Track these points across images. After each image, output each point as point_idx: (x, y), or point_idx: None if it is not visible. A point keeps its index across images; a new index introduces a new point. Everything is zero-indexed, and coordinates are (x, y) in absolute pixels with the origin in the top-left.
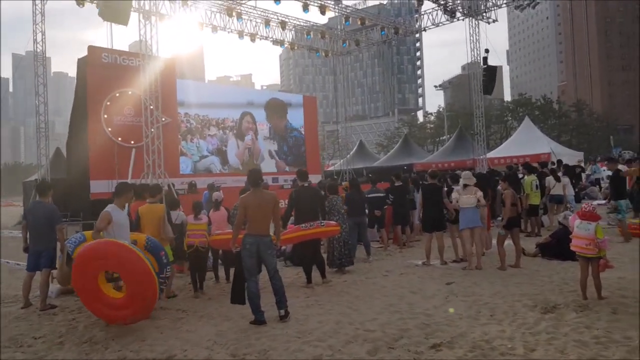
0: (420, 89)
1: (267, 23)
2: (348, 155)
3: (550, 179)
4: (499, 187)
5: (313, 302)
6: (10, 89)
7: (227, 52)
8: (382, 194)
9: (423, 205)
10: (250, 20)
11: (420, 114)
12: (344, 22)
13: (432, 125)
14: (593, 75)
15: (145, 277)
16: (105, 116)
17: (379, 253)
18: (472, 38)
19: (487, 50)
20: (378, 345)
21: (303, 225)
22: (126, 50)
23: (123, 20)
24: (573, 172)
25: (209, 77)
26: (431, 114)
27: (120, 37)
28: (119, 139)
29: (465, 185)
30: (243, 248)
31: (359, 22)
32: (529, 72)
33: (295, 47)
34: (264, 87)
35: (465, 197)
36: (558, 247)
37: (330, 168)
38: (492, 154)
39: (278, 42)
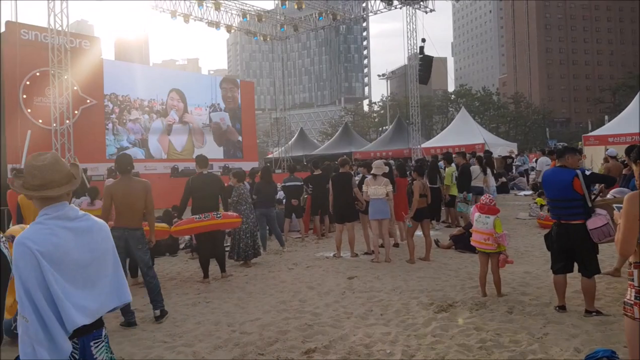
0: (367, 78)
1: (200, 3)
2: (288, 143)
3: (475, 169)
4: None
5: (201, 299)
6: None
7: (174, 36)
8: (299, 183)
9: (333, 195)
10: (184, 0)
11: (365, 102)
12: (280, 6)
13: (375, 115)
14: (532, 68)
15: None
16: (25, 96)
17: (295, 244)
18: (409, 27)
19: (423, 40)
20: (247, 350)
21: (197, 216)
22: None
23: None
24: (492, 164)
25: (154, 60)
26: (375, 103)
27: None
28: (40, 121)
29: (374, 176)
30: None
31: (295, 6)
32: (473, 65)
33: (232, 30)
34: (211, 72)
35: (374, 188)
36: (470, 239)
37: (270, 155)
38: (428, 144)
39: (213, 24)
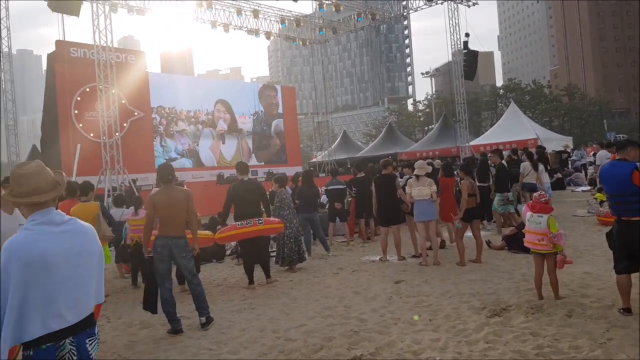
0: (410, 77)
1: (238, 12)
2: (331, 147)
3: (525, 165)
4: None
5: (246, 306)
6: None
7: (217, 46)
8: (342, 186)
9: (376, 197)
10: (223, 10)
11: (410, 102)
12: (318, 9)
13: (421, 114)
14: (586, 58)
15: None
16: (76, 112)
17: (340, 248)
18: (451, 22)
19: (467, 35)
20: (292, 358)
21: (239, 223)
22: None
23: (74, 10)
24: (547, 158)
25: (198, 71)
26: (419, 102)
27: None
28: (91, 134)
29: (417, 176)
30: (154, 251)
31: (333, 9)
32: (521, 57)
33: (272, 37)
34: (254, 80)
35: (418, 189)
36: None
37: (313, 160)
38: (477, 141)
39: (253, 32)
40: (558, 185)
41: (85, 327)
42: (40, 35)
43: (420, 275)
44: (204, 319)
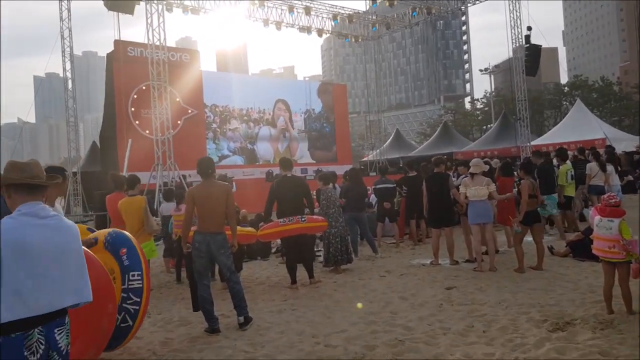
0: (468, 74)
1: (290, 9)
2: (383, 146)
3: (592, 166)
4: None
5: (287, 306)
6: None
7: (270, 45)
8: (391, 185)
9: (428, 197)
10: (275, 8)
11: (467, 100)
12: (371, 5)
13: (479, 112)
14: None
15: (103, 292)
16: (133, 109)
17: (389, 249)
18: (512, 15)
19: (529, 28)
20: None
21: (281, 220)
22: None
23: (128, 9)
24: (617, 159)
25: (252, 70)
26: (477, 100)
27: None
28: (147, 131)
29: (472, 175)
30: (192, 247)
31: (386, 4)
32: (588, 53)
33: (324, 34)
34: (306, 79)
35: (474, 189)
36: (592, 246)
37: (365, 158)
38: (539, 141)
39: (305, 29)
40: (629, 188)
41: (56, 317)
42: (105, 37)
43: (474, 282)
44: (242, 319)
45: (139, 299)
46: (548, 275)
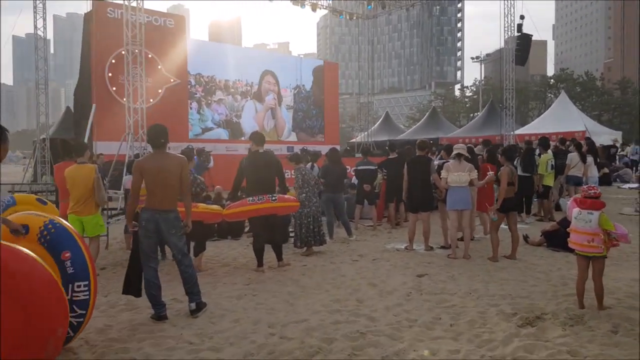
0: (460, 62)
1: None
2: (372, 128)
3: (573, 156)
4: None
5: (249, 291)
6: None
7: (266, 20)
8: (372, 167)
9: (408, 181)
10: None
11: (457, 87)
12: None
13: (467, 100)
14: None
15: (51, 310)
16: (110, 74)
17: (366, 232)
18: (507, 3)
19: (522, 17)
20: None
21: (250, 198)
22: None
23: None
24: (596, 151)
25: (246, 44)
26: (467, 87)
27: None
28: (124, 99)
29: (459, 159)
30: (139, 225)
31: None
32: (575, 48)
33: (318, 8)
34: (301, 56)
35: (457, 175)
36: (567, 236)
37: (353, 140)
38: (522, 130)
39: (298, 2)
40: (604, 180)
41: None
42: None
43: (446, 269)
44: (193, 305)
45: (84, 312)
46: (521, 265)
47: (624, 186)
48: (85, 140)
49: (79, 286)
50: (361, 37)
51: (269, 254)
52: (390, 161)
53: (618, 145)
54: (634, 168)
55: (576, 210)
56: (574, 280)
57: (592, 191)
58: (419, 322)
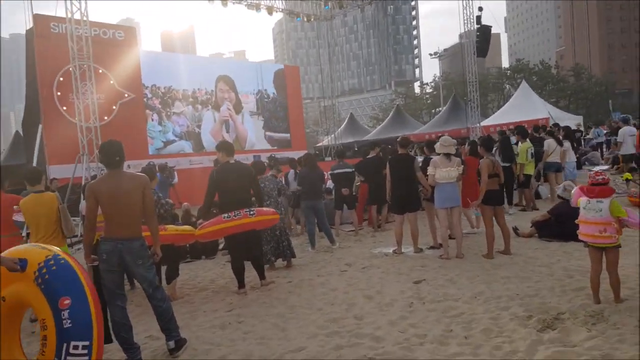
0: (417, 59)
1: None
2: (337, 130)
3: (550, 142)
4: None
5: (233, 318)
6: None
7: (220, 29)
8: (349, 169)
9: (392, 181)
10: None
11: (417, 85)
12: None
13: (428, 96)
14: (592, 39)
15: None
16: (59, 94)
17: (348, 239)
18: None
19: (480, 9)
20: None
21: (225, 215)
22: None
23: None
24: (573, 136)
25: (200, 53)
26: (427, 84)
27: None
28: (76, 118)
29: (448, 155)
30: (99, 259)
31: None
32: (527, 39)
33: (274, 11)
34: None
35: (446, 171)
36: (558, 226)
37: (320, 144)
38: (487, 122)
39: (253, 6)
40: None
41: None
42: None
43: (442, 272)
44: (172, 344)
45: None
46: (519, 260)
47: (594, 168)
48: (34, 164)
49: (75, 347)
50: (319, 40)
51: (250, 272)
52: (369, 161)
53: (582, 129)
54: (600, 150)
55: (584, 199)
56: (579, 272)
57: (600, 177)
58: (429, 337)
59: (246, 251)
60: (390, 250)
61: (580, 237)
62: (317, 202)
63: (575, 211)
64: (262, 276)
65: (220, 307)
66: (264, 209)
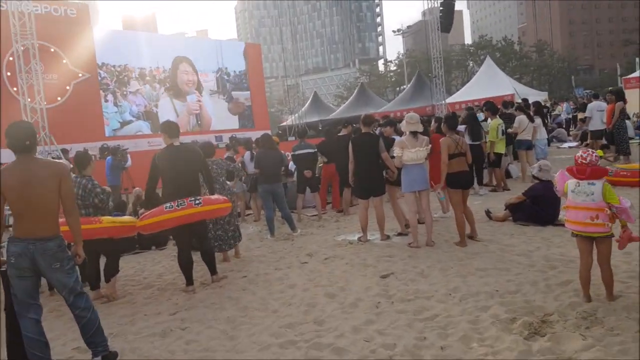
0: (380, 37)
1: None
2: (302, 109)
3: (522, 119)
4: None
5: (176, 324)
6: None
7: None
8: (312, 150)
9: (355, 162)
10: None
11: (381, 62)
12: None
13: (392, 74)
14: (553, 15)
15: None
16: (9, 74)
17: (311, 224)
18: None
19: None
20: None
21: (168, 205)
22: None
23: None
24: (543, 112)
25: (162, 33)
26: (391, 61)
27: None
28: (29, 99)
29: (415, 134)
30: (7, 264)
31: None
32: (490, 16)
33: None
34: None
35: (414, 152)
36: (534, 208)
37: (284, 123)
38: (452, 99)
39: None
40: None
41: None
42: None
43: (412, 263)
44: (98, 359)
45: None
46: (494, 248)
47: (562, 145)
48: None
49: None
50: (282, 18)
51: (201, 266)
52: (341, 140)
53: (549, 104)
54: (567, 127)
55: (572, 181)
56: (561, 262)
57: (590, 158)
58: (399, 348)
59: (195, 244)
60: (355, 238)
61: (567, 225)
62: (275, 186)
63: (552, 192)
64: (213, 271)
65: (164, 309)
66: (213, 197)
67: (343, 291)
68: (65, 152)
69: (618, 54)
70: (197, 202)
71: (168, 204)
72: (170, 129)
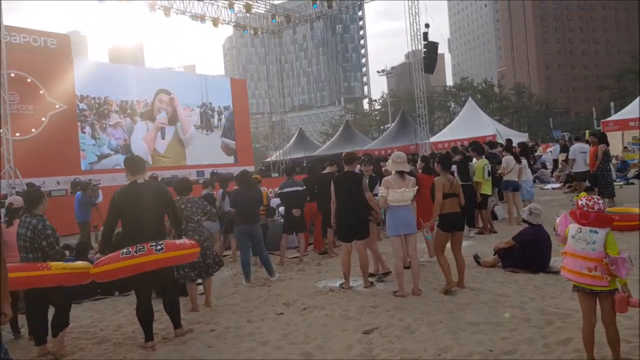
0: (365, 77)
1: None
2: (287, 145)
3: (509, 159)
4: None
5: None
6: None
7: (171, 45)
8: (300, 188)
9: (337, 202)
10: None
11: (366, 101)
12: None
13: (377, 113)
14: (530, 60)
15: None
16: None
17: (291, 267)
18: (411, 11)
19: (427, 25)
20: None
21: (125, 250)
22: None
23: None
24: (528, 153)
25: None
26: (375, 101)
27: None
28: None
29: (401, 174)
30: None
31: None
32: (470, 59)
33: (220, 24)
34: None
35: (400, 192)
36: (524, 254)
37: (268, 159)
38: (436, 138)
39: (197, 17)
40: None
41: None
42: None
43: (398, 315)
44: None
45: None
46: (486, 299)
47: (545, 187)
48: None
49: None
50: (268, 56)
51: (165, 316)
52: (325, 177)
53: (531, 145)
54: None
55: (574, 226)
56: (557, 316)
57: (598, 206)
58: None
59: (158, 291)
60: (337, 285)
61: (562, 273)
62: (252, 227)
63: (544, 237)
64: (177, 324)
65: None
66: (178, 241)
67: (321, 350)
68: (30, 185)
69: (593, 98)
70: (159, 247)
71: (125, 250)
72: (133, 164)
